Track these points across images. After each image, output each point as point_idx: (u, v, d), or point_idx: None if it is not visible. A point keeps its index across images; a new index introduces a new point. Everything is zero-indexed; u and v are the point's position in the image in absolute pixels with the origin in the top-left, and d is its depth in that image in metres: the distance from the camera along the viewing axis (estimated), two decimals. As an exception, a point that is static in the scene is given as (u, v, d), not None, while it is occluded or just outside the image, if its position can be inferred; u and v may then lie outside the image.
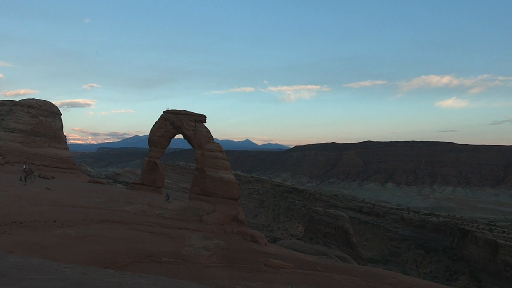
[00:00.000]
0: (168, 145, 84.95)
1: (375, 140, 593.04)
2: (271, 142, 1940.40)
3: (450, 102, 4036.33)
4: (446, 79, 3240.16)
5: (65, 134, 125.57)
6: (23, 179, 69.36)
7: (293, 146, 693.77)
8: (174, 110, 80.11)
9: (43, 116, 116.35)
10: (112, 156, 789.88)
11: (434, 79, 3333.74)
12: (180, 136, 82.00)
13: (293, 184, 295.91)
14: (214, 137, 78.77)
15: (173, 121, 79.12)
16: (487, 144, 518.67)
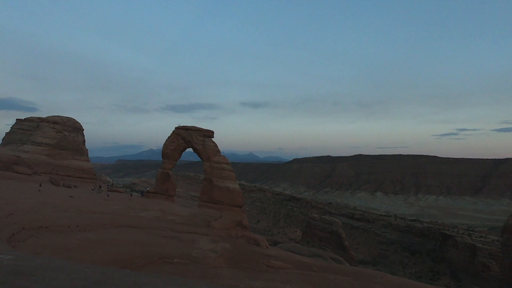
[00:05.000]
0: (180, 157, 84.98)
1: (365, 154, 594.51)
2: (271, 155, 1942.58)
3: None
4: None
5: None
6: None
7: (291, 159, 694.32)
8: (185, 126, 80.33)
9: (67, 131, 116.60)
10: (129, 168, 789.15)
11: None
12: (190, 149, 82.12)
13: (291, 193, 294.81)
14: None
15: (184, 136, 79.26)
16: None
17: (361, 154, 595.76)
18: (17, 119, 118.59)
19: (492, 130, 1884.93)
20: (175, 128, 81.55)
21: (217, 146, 78.18)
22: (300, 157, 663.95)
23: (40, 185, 67.34)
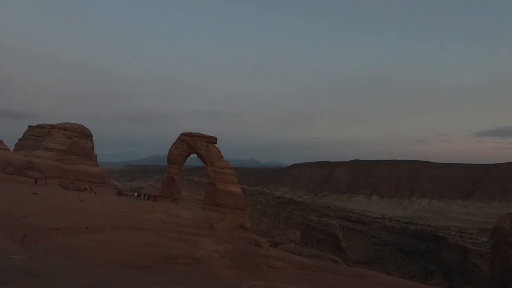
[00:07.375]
0: (184, 162, 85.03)
1: (362, 159, 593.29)
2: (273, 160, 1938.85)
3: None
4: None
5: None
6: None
7: (291, 164, 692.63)
8: (190, 132, 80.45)
9: (77, 138, 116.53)
10: (136, 172, 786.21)
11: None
12: (194, 155, 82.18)
13: (291, 197, 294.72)
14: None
15: (189, 142, 79.38)
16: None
17: (357, 160, 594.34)
18: (29, 126, 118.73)
19: (468, 136, 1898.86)
20: (180, 134, 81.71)
21: (220, 152, 78.31)
22: (299, 163, 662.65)
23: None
